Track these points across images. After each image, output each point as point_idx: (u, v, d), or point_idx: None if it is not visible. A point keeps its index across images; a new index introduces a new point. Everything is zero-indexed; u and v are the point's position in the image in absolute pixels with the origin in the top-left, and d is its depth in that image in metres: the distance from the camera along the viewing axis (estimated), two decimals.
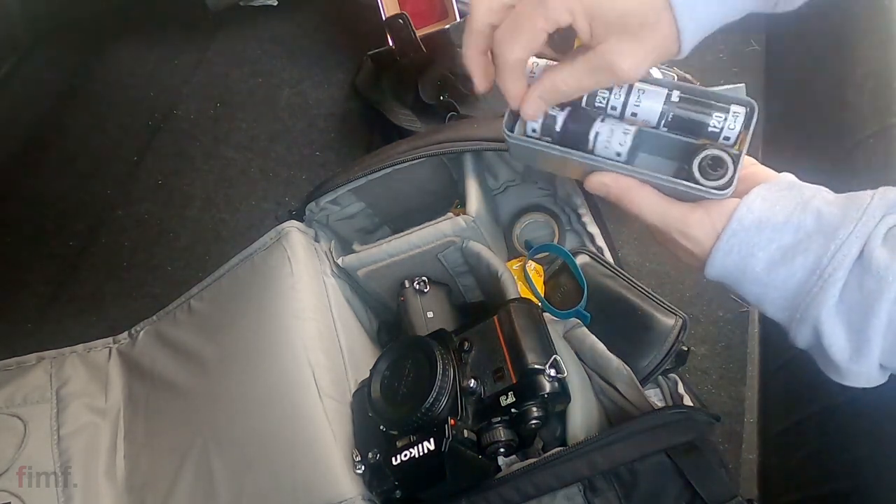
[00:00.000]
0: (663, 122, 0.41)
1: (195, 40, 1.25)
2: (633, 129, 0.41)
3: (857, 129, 0.68)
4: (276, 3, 1.25)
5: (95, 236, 1.06)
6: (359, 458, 0.55)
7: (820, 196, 0.39)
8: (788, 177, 0.41)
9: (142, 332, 0.75)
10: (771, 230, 0.38)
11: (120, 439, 0.68)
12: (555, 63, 0.41)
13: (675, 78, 0.91)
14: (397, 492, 0.53)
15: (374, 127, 1.09)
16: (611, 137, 0.41)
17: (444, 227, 0.65)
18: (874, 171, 0.65)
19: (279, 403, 0.59)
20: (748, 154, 0.40)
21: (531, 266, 0.71)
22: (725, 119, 0.39)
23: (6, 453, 0.63)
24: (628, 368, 0.58)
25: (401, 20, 0.95)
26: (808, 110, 0.86)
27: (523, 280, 0.69)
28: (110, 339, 0.77)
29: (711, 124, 0.39)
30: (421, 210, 0.78)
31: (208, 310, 0.71)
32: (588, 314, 0.63)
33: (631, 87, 0.41)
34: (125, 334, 0.76)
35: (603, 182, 0.42)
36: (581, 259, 0.68)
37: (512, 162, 0.76)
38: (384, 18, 0.99)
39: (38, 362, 0.73)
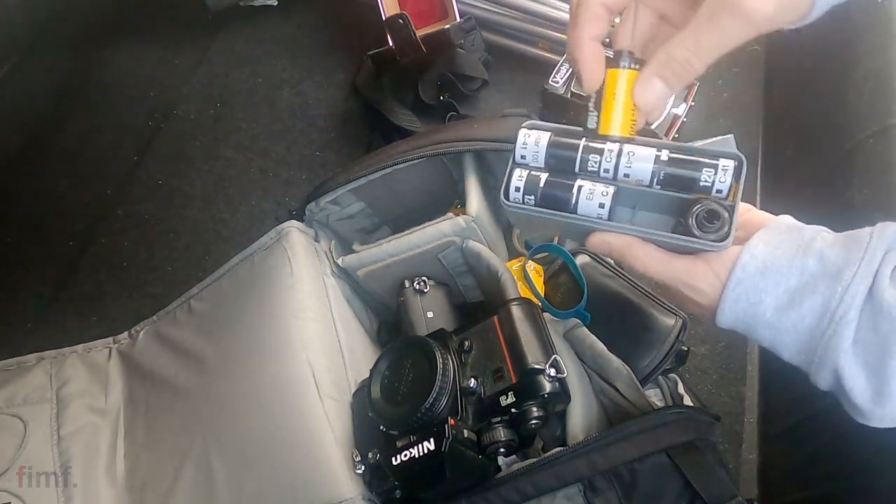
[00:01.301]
0: (655, 180, 0.41)
1: (195, 40, 1.25)
2: (612, 187, 0.42)
3: (857, 129, 0.68)
4: (276, 3, 1.25)
5: (95, 236, 1.06)
6: (359, 458, 0.55)
7: (820, 237, 0.39)
8: (787, 219, 0.41)
9: (142, 332, 0.75)
10: (776, 274, 0.38)
11: (120, 439, 0.67)
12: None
13: None
14: (397, 492, 0.53)
15: (374, 127, 1.09)
16: (593, 191, 0.42)
17: (444, 227, 0.65)
18: (874, 171, 0.65)
19: (279, 403, 0.59)
20: (744, 201, 0.41)
21: (531, 266, 0.71)
22: (715, 173, 0.40)
23: (6, 453, 0.62)
24: (628, 368, 0.58)
25: (401, 20, 0.95)
26: (808, 110, 0.86)
27: (523, 280, 0.69)
28: (110, 339, 0.77)
29: (702, 179, 0.40)
30: (421, 210, 0.78)
31: (208, 310, 0.71)
32: (588, 314, 0.63)
33: (621, 150, 0.41)
34: (125, 334, 0.76)
35: (605, 240, 0.42)
36: (581, 259, 0.68)
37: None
38: (384, 18, 0.99)
39: (38, 362, 0.73)
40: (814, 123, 0.83)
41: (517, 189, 0.44)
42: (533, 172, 0.44)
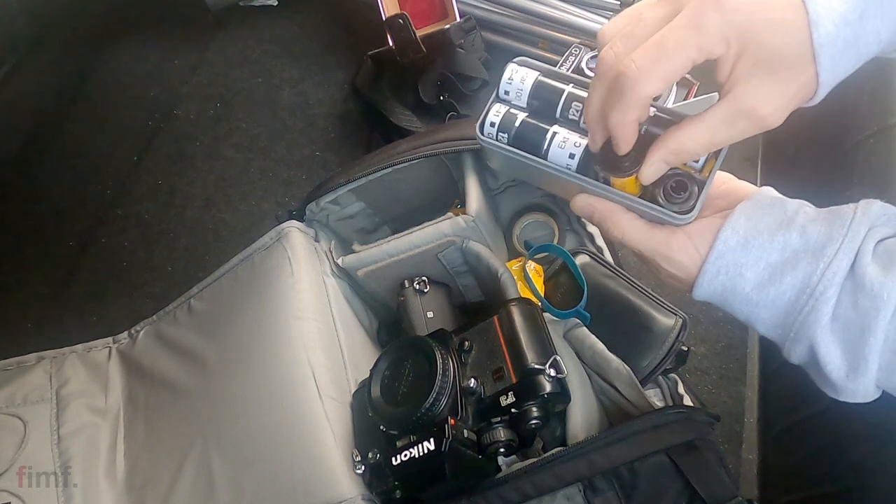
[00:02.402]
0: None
1: (195, 40, 1.25)
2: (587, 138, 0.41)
3: (857, 129, 0.68)
4: (276, 3, 1.25)
5: (95, 236, 1.06)
6: (359, 458, 0.55)
7: (803, 212, 0.38)
8: (769, 191, 0.41)
9: (142, 332, 0.75)
10: (758, 249, 0.38)
11: (120, 439, 0.67)
12: (670, 115, 0.39)
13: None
14: (397, 492, 0.53)
15: (374, 127, 1.09)
16: (565, 142, 0.41)
17: (444, 227, 0.65)
18: (874, 171, 0.65)
19: (279, 403, 0.59)
20: (730, 172, 0.41)
21: (531, 266, 0.71)
22: None
23: (6, 453, 0.62)
24: (628, 368, 0.58)
25: (401, 20, 0.95)
26: (808, 110, 0.86)
27: (523, 280, 0.69)
28: (110, 339, 0.77)
29: None
30: (421, 210, 0.78)
31: (208, 310, 0.71)
32: (588, 314, 0.63)
33: None
34: (125, 334, 0.76)
35: (589, 203, 0.42)
36: (581, 259, 0.68)
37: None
38: (384, 18, 0.99)
39: (38, 362, 0.73)
40: (814, 123, 0.82)
41: (492, 124, 0.43)
42: (511, 110, 0.43)
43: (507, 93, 0.44)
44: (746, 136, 0.36)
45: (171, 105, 1.18)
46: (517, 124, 0.43)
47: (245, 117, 1.16)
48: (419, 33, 0.97)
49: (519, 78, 0.43)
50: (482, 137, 0.44)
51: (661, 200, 0.39)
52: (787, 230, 0.38)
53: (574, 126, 0.42)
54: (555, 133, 0.42)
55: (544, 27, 1.04)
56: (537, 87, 0.43)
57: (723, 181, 0.43)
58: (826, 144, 0.75)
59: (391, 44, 0.99)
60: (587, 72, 0.95)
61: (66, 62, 1.23)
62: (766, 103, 0.34)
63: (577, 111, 0.41)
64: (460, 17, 1.01)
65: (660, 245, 0.41)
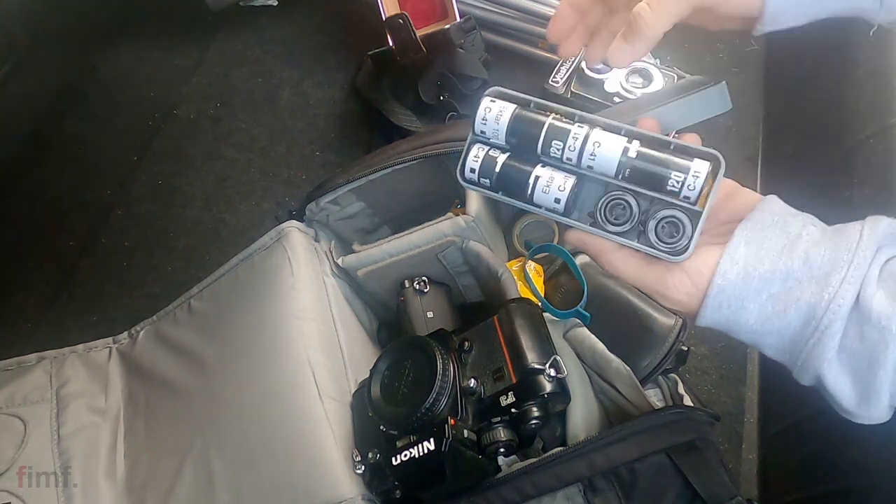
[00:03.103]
0: (621, 175, 0.39)
1: (195, 40, 1.25)
2: (573, 178, 0.39)
3: (857, 129, 0.68)
4: (276, 3, 1.25)
5: (95, 236, 1.06)
6: (359, 458, 0.55)
7: (806, 233, 0.37)
8: (772, 206, 0.39)
9: (142, 332, 0.75)
10: (759, 280, 0.36)
11: (120, 439, 0.67)
12: None
13: (676, 78, 0.91)
14: (397, 492, 0.53)
15: (374, 127, 1.09)
16: (549, 185, 0.39)
17: (444, 227, 0.65)
18: (874, 171, 0.65)
19: (279, 403, 0.59)
20: (730, 172, 0.38)
21: (531, 266, 0.71)
22: (685, 180, 0.37)
23: (6, 453, 0.62)
24: (628, 368, 0.58)
25: (401, 20, 0.95)
26: (808, 110, 0.86)
27: (523, 280, 0.69)
28: (110, 339, 0.77)
29: (670, 183, 0.37)
30: (421, 210, 0.78)
31: (208, 310, 0.71)
32: (588, 314, 0.63)
33: (587, 136, 0.39)
34: (125, 334, 0.76)
35: (581, 239, 0.41)
36: (581, 259, 0.68)
37: None
38: (384, 18, 0.99)
39: (38, 362, 0.73)
40: (814, 123, 0.83)
41: (472, 171, 0.41)
42: (491, 153, 0.41)
43: (482, 132, 0.42)
44: None
45: (171, 105, 1.18)
46: (498, 169, 0.41)
47: (245, 117, 1.16)
48: (419, 33, 0.97)
49: (494, 115, 0.41)
50: (465, 184, 0.42)
51: (651, 239, 0.38)
52: (790, 257, 0.36)
53: (558, 163, 0.40)
54: (538, 177, 0.40)
55: (544, 27, 1.04)
56: (515, 122, 0.40)
57: (725, 186, 0.42)
58: (826, 144, 0.75)
59: (391, 44, 0.99)
60: (587, 72, 0.95)
61: (66, 62, 1.23)
62: None
63: (559, 149, 0.39)
64: (460, 17, 1.01)
65: (656, 283, 0.39)
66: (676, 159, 0.37)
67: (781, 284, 0.36)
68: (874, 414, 0.36)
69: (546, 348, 0.53)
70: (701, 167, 0.37)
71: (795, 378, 0.39)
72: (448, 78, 1.02)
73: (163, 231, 1.06)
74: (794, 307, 0.36)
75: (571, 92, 0.95)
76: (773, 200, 0.40)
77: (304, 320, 0.63)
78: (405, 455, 0.50)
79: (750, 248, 0.37)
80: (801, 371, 0.37)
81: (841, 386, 0.36)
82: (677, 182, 0.37)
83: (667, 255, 0.38)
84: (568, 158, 0.39)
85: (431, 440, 0.49)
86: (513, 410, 0.50)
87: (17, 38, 1.07)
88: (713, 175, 0.37)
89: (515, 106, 0.41)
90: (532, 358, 0.51)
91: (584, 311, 0.64)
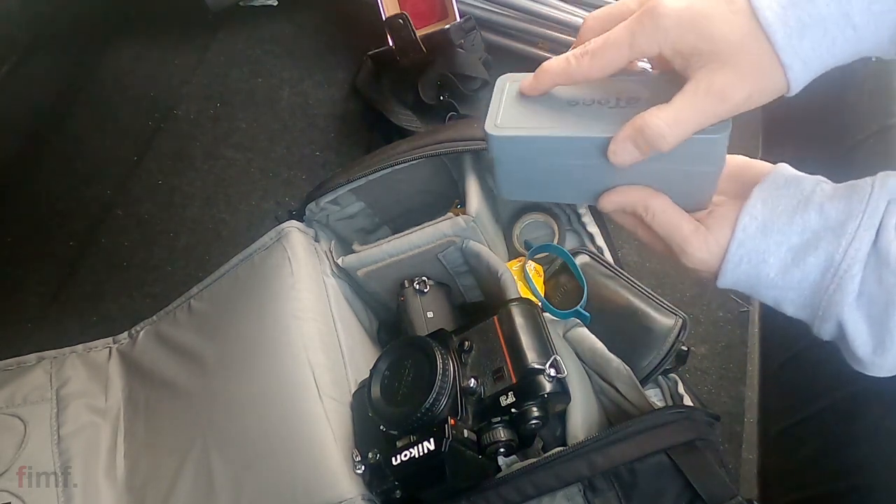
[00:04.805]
0: None
1: (195, 40, 1.25)
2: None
3: (857, 129, 0.68)
4: (276, 3, 1.25)
5: (95, 236, 1.06)
6: (359, 458, 0.55)
7: (819, 189, 0.38)
8: (784, 171, 0.41)
9: (142, 332, 0.75)
10: (778, 233, 0.38)
11: (120, 439, 0.68)
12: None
13: None
14: (397, 492, 0.53)
15: (374, 127, 1.09)
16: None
17: (444, 227, 0.65)
18: (874, 171, 0.65)
19: (279, 403, 0.59)
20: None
21: (531, 266, 0.71)
22: None
23: (6, 453, 0.63)
24: (628, 368, 0.58)
25: (401, 20, 0.95)
26: (808, 110, 0.86)
27: (523, 280, 0.69)
28: (110, 339, 0.77)
29: None
30: (421, 210, 0.78)
31: (208, 310, 0.71)
32: (588, 314, 0.63)
33: None
34: (125, 334, 0.76)
35: (622, 192, 0.41)
36: (581, 259, 0.68)
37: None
38: (384, 18, 0.99)
39: (38, 362, 0.73)
40: (814, 123, 0.83)
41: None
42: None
43: None
44: (715, 116, 0.36)
45: (171, 105, 1.18)
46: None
47: (245, 117, 1.16)
48: (419, 33, 0.97)
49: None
50: (495, 135, 0.40)
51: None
52: (805, 210, 0.38)
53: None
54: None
55: (544, 27, 1.04)
56: None
57: (736, 161, 0.43)
58: (826, 144, 0.75)
59: (391, 44, 0.99)
60: None
61: (66, 62, 1.23)
62: (728, 84, 0.34)
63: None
64: (460, 17, 1.01)
65: (682, 241, 0.40)
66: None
67: (799, 236, 0.37)
68: (887, 362, 0.37)
69: (546, 348, 0.53)
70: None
71: (816, 333, 0.40)
72: (448, 78, 1.02)
73: (163, 231, 1.06)
74: (812, 256, 0.37)
75: None
76: (785, 166, 0.42)
77: (304, 320, 0.63)
78: (405, 455, 0.50)
79: (767, 205, 0.39)
80: (821, 322, 0.38)
81: (859, 332, 0.37)
82: None
83: (708, 135, 0.37)
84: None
85: (431, 440, 0.49)
86: (513, 410, 0.50)
87: (17, 38, 1.07)
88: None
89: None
90: (532, 358, 0.51)
91: (583, 311, 0.64)
